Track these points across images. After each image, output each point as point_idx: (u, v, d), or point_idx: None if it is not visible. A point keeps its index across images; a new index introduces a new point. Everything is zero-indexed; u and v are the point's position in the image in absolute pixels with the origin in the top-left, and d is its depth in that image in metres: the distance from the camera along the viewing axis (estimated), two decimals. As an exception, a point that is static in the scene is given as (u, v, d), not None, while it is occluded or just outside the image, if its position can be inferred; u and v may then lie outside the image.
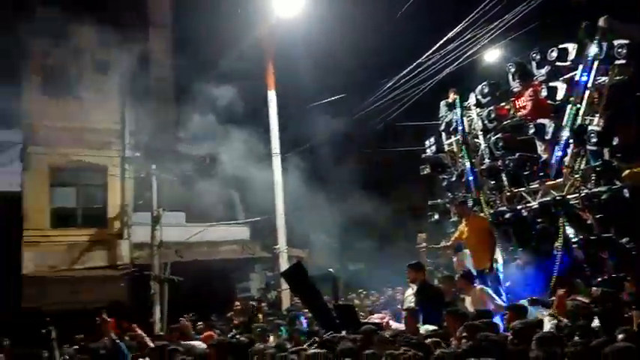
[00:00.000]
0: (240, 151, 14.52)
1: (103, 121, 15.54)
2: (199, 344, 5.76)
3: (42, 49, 15.27)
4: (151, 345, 6.15)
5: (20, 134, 14.53)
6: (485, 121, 9.96)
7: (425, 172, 11.72)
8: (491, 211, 9.73)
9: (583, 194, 7.88)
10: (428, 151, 11.72)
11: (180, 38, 16.87)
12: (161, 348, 5.39)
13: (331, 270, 10.54)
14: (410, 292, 8.37)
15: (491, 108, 9.92)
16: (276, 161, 13.86)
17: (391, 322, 7.21)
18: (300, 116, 15.03)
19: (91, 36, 15.59)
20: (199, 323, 10.95)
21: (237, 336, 7.07)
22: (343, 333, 5.97)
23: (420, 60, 12.66)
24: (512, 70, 9.45)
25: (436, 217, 11.46)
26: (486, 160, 9.84)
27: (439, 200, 11.59)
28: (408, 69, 13.00)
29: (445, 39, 11.91)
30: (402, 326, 6.81)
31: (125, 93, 16.01)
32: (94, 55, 16.07)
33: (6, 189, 14.24)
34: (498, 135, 9.55)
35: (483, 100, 10.19)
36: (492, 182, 9.85)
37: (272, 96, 14.08)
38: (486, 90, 10.09)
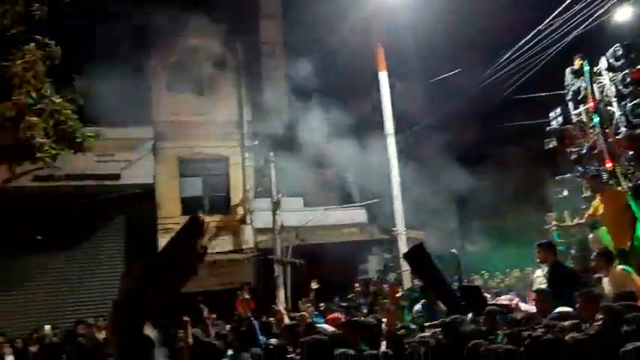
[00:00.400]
0: (353, 134, 14.59)
1: (223, 113, 16.34)
2: (327, 327, 5.88)
3: (165, 48, 16.35)
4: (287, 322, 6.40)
5: (151, 130, 15.70)
6: (620, 87, 9.13)
7: (550, 146, 11.02)
8: (630, 184, 8.92)
9: None
10: (553, 123, 10.99)
11: (289, 25, 17.20)
12: (294, 326, 5.58)
13: (454, 251, 10.30)
14: (540, 272, 7.94)
15: (626, 72, 9.07)
16: (391, 142, 13.76)
17: (521, 304, 6.89)
18: (413, 95, 14.74)
19: (207, 32, 16.43)
20: (321, 304, 11.24)
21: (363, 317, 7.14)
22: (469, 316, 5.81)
23: (540, 27, 11.83)
24: (651, 27, 8.55)
25: (565, 193, 10.76)
26: (622, 129, 9.03)
27: (567, 175, 10.86)
28: (528, 37, 12.22)
29: (568, 1, 11.02)
30: (532, 308, 6.49)
31: (241, 85, 16.71)
32: (212, 50, 16.92)
33: (141, 181, 15.46)
34: (635, 101, 8.72)
35: (616, 64, 9.34)
36: (630, 153, 9.03)
37: (383, 76, 13.95)
38: (620, 52, 9.24)
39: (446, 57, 15.80)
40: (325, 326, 5.94)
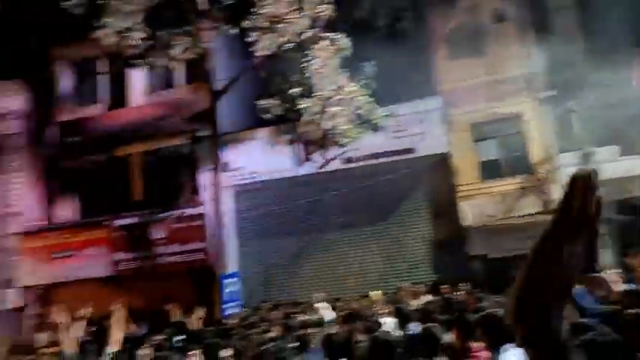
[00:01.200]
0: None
1: (510, 68, 15.43)
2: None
3: (440, 16, 16.27)
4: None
5: (439, 100, 15.81)
6: None
7: None
8: None
9: None
10: None
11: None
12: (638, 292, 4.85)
13: None
14: None
15: None
16: None
17: None
18: None
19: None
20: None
21: None
22: None
23: None
24: None
25: None
26: None
27: None
28: None
29: None
30: None
31: (526, 35, 15.52)
32: (488, 6, 16.17)
33: (436, 151, 15.71)
34: None
35: None
36: None
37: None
38: None
39: None
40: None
